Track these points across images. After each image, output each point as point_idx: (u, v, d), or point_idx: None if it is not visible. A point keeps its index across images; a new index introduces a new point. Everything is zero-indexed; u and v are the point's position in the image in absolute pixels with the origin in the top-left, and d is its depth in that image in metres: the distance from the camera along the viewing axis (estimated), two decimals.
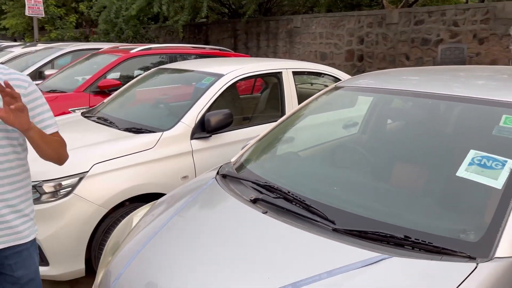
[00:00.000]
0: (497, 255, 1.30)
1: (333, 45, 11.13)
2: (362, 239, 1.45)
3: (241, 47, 13.64)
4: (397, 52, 9.77)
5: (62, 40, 17.50)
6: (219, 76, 3.32)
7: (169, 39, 15.90)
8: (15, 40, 22.06)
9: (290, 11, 15.92)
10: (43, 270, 2.53)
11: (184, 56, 5.57)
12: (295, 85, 3.81)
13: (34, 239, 1.76)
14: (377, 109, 2.69)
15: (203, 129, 3.03)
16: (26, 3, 16.55)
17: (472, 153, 1.62)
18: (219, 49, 6.07)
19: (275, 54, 12.62)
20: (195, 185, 2.11)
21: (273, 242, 1.52)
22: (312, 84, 4.48)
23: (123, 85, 4.22)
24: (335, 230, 1.52)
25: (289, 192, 1.75)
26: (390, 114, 2.49)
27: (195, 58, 5.62)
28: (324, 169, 2.20)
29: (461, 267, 1.28)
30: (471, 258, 1.31)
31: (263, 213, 1.68)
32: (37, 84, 5.32)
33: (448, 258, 1.32)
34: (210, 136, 3.07)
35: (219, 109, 3.13)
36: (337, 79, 3.98)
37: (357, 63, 10.60)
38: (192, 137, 3.00)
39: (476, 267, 1.27)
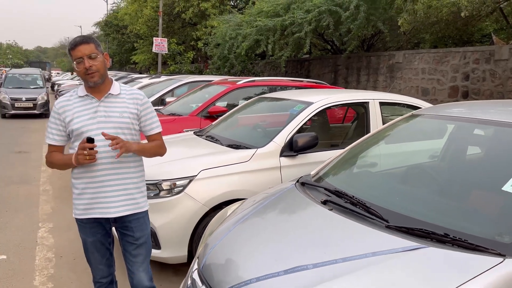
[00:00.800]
0: None
1: (436, 81, 10.91)
2: (409, 235, 1.74)
3: (341, 81, 14.01)
4: (506, 89, 9.26)
5: (179, 73, 19.76)
6: (309, 104, 3.78)
7: (273, 73, 16.96)
8: (140, 73, 25.39)
9: (393, 47, 15.92)
10: (155, 252, 3.17)
11: (283, 88, 6.17)
12: (382, 114, 4.10)
13: (147, 210, 2.32)
14: (455, 137, 2.87)
15: (291, 148, 3.50)
16: (154, 42, 19.18)
17: None
18: (315, 82, 6.56)
19: (375, 89, 12.71)
20: (278, 188, 2.56)
21: (334, 230, 1.89)
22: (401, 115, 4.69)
23: (229, 111, 4.92)
24: (387, 227, 1.83)
25: (353, 197, 2.10)
26: (463, 141, 2.67)
27: (292, 89, 6.18)
28: (390, 184, 2.49)
29: (493, 260, 1.51)
30: (501, 255, 1.53)
31: (329, 209, 2.06)
32: (159, 109, 6.30)
33: (481, 254, 1.56)
34: (297, 155, 3.51)
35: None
36: None
37: (461, 100, 10.22)
38: (281, 155, 3.48)
39: (503, 261, 1.49)
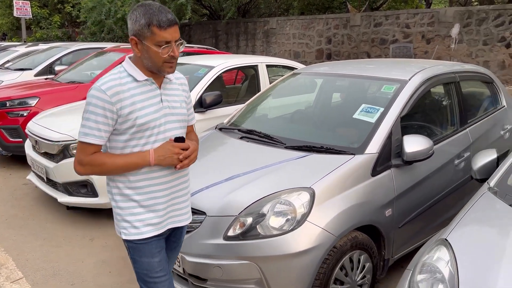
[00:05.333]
0: (365, 152, 2.56)
1: (305, 45, 12.43)
2: (299, 150, 2.69)
3: (222, 46, 14.80)
4: (359, 50, 11.15)
5: (47, 39, 18.28)
6: (211, 67, 4.53)
7: None
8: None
9: (266, 13, 17.18)
10: (93, 200, 3.67)
11: None
12: (268, 75, 5.05)
13: None
14: (323, 88, 3.95)
15: (201, 105, 4.23)
16: (14, 5, 17.29)
17: (363, 105, 2.89)
18: (206, 48, 7.25)
19: (253, 53, 13.83)
20: (202, 135, 3.33)
21: (252, 153, 2.75)
22: (282, 75, 5.74)
23: None
24: (286, 147, 2.76)
25: (260, 132, 2.98)
26: (329, 91, 3.75)
27: (185, 55, 6.79)
28: (283, 124, 3.46)
29: (349, 156, 2.53)
30: (352, 154, 2.57)
31: (246, 141, 2.91)
32: (52, 78, 6.34)
33: (342, 155, 2.58)
34: (206, 110, 4.26)
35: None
36: None
37: (326, 61, 11.93)
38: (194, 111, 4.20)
39: (354, 156, 2.53)
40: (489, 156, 2.25)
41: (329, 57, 11.88)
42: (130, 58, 1.73)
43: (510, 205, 1.79)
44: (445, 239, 1.74)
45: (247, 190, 2.37)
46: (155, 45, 1.62)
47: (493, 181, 2.02)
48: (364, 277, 2.53)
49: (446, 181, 3.01)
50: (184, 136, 1.80)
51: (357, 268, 2.47)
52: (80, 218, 3.92)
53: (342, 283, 2.39)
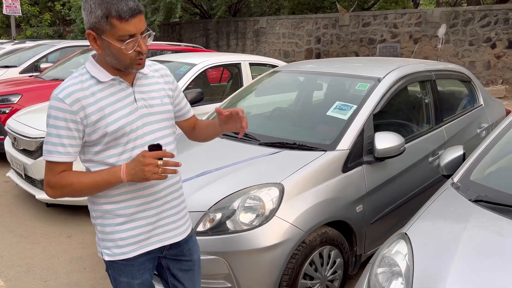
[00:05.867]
0: (337, 149, 2.58)
1: (295, 44, 12.47)
2: (273, 147, 2.70)
3: (212, 45, 14.80)
4: (348, 50, 11.20)
5: (38, 37, 18.16)
6: (193, 65, 4.53)
7: None
8: None
9: (257, 12, 17.20)
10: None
11: (163, 52, 6.73)
12: (251, 73, 5.06)
13: None
14: (304, 85, 3.97)
15: None
16: (3, 2, 17.14)
17: (337, 103, 2.91)
18: (192, 46, 7.25)
19: (243, 52, 13.85)
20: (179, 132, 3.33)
21: (227, 149, 2.76)
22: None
23: None
24: (260, 144, 2.77)
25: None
26: (310, 88, 3.77)
27: (172, 53, 6.78)
28: (261, 121, 3.47)
29: (320, 153, 2.55)
30: (323, 150, 2.59)
31: (220, 138, 2.92)
32: (36, 76, 6.30)
33: (314, 151, 2.60)
34: None
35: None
36: None
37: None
38: None
39: (325, 152, 2.55)
40: (456, 152, 2.28)
41: (318, 57, 11.92)
42: (94, 56, 1.50)
43: (469, 200, 1.82)
44: (405, 233, 1.76)
45: (217, 186, 2.38)
46: (117, 40, 1.37)
47: (456, 177, 2.05)
48: (335, 272, 2.55)
49: (419, 178, 3.04)
50: (172, 138, 1.59)
51: (327, 264, 2.48)
52: (59, 215, 3.91)
53: (312, 278, 2.41)
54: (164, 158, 1.40)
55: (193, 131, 1.82)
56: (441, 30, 9.39)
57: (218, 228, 2.26)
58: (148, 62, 1.61)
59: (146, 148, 1.43)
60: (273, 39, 13.00)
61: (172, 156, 1.42)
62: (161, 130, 1.55)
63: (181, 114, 1.73)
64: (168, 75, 1.66)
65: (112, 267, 1.57)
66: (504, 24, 8.60)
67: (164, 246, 1.62)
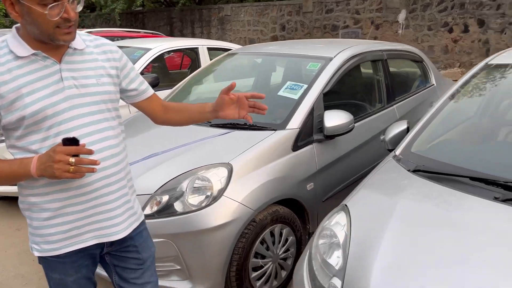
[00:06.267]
0: (287, 128, 2.58)
1: (260, 32, 12.41)
2: (224, 128, 2.67)
3: (177, 34, 14.54)
4: (312, 37, 11.24)
5: None
6: (147, 49, 4.42)
7: (105, 27, 16.34)
8: None
9: (222, 0, 16.98)
10: None
11: (122, 38, 6.54)
12: (210, 58, 4.99)
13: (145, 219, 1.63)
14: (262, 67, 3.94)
15: None
16: None
17: (288, 83, 2.90)
18: (152, 33, 7.09)
19: None
20: (129, 117, 3.23)
21: (178, 131, 2.71)
22: None
23: None
24: (211, 125, 2.73)
25: None
26: (268, 69, 3.75)
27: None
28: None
29: (270, 132, 2.54)
30: (273, 130, 2.58)
31: None
32: None
33: (264, 130, 2.58)
34: None
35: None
36: None
37: None
38: None
39: (275, 131, 2.54)
40: (400, 127, 2.32)
41: None
42: (17, 29, 1.32)
43: (408, 170, 1.85)
44: (345, 205, 1.78)
45: (164, 168, 2.34)
46: (38, 4, 1.19)
47: (398, 150, 2.08)
48: (288, 250, 2.56)
49: (371, 156, 3.09)
50: (109, 124, 1.40)
51: (279, 242, 2.49)
52: (9, 208, 3.76)
53: (263, 257, 2.41)
54: (81, 155, 1.23)
55: (163, 114, 1.61)
56: (401, 16, 9.55)
57: (166, 211, 2.22)
58: (89, 36, 1.45)
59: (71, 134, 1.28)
60: (238, 27, 12.89)
61: (89, 152, 1.24)
62: (94, 114, 1.36)
63: (137, 94, 1.53)
64: (114, 51, 1.46)
65: (43, 263, 1.46)
66: (460, 9, 8.83)
67: (104, 243, 1.46)
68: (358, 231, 1.58)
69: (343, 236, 1.62)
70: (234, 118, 1.56)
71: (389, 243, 1.45)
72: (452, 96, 2.26)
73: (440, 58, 9.22)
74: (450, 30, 9.07)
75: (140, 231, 1.55)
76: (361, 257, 1.45)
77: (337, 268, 1.52)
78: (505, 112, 2.41)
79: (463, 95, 2.29)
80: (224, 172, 2.29)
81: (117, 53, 1.47)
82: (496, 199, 1.51)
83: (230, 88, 1.51)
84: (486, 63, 2.34)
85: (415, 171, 1.83)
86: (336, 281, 1.46)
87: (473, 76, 2.32)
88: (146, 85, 1.56)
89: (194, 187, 2.26)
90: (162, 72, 5.50)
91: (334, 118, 2.65)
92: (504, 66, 2.33)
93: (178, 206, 2.23)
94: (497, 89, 2.26)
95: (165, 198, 2.23)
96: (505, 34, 8.35)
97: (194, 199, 2.25)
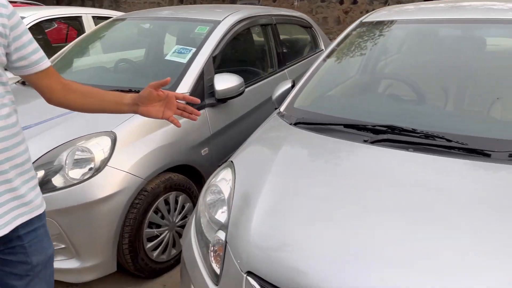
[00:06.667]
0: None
1: (157, 4, 11.86)
2: None
3: None
4: None
5: None
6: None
7: None
8: None
9: None
10: None
11: None
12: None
13: (45, 213, 1.33)
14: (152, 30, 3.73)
15: None
16: None
17: (176, 47, 2.79)
18: (29, 2, 6.36)
19: None
20: None
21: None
22: None
23: None
24: None
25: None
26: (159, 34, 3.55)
27: None
28: (103, 71, 3.18)
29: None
30: None
31: None
32: None
33: None
34: None
35: None
36: None
37: None
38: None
39: None
40: (285, 85, 2.36)
41: None
42: None
43: (290, 124, 1.90)
44: (231, 161, 1.77)
45: (37, 141, 2.11)
46: None
47: (282, 106, 2.12)
48: (185, 217, 2.52)
49: (264, 119, 3.13)
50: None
51: (175, 210, 2.44)
52: None
53: (159, 226, 2.34)
54: None
55: (62, 94, 1.31)
56: None
57: (43, 187, 2.02)
58: None
59: None
60: (134, 0, 12.19)
61: None
62: None
63: (26, 65, 1.20)
64: (2, 4, 1.13)
65: None
66: None
67: None
68: (242, 184, 1.59)
69: (228, 191, 1.61)
70: (156, 117, 1.38)
71: (268, 191, 1.47)
72: (331, 53, 2.35)
73: (333, 29, 9.70)
74: (341, 2, 9.55)
75: (33, 229, 1.26)
76: (243, 207, 1.46)
77: (222, 221, 1.51)
78: (382, 67, 2.58)
79: (342, 51, 2.40)
80: (107, 141, 2.14)
81: (6, 8, 1.15)
82: (365, 141, 1.62)
83: (162, 84, 1.34)
84: (361, 21, 2.47)
85: (296, 123, 1.88)
86: (221, 234, 1.46)
87: (349, 35, 2.43)
88: (41, 54, 1.23)
89: (75, 160, 2.09)
90: (44, 46, 4.97)
91: (224, 81, 2.63)
92: (379, 23, 2.47)
93: (57, 180, 2.05)
94: (371, 44, 2.40)
95: (40, 173, 2.03)
96: (388, 5, 9.02)
97: (75, 172, 2.08)
